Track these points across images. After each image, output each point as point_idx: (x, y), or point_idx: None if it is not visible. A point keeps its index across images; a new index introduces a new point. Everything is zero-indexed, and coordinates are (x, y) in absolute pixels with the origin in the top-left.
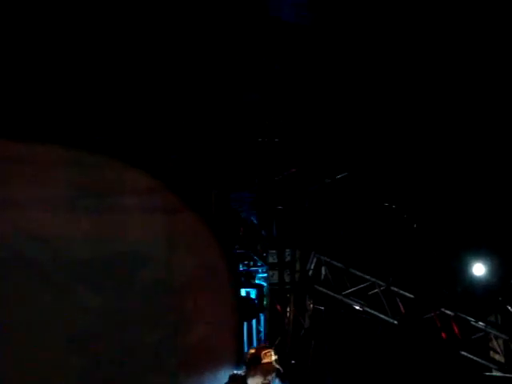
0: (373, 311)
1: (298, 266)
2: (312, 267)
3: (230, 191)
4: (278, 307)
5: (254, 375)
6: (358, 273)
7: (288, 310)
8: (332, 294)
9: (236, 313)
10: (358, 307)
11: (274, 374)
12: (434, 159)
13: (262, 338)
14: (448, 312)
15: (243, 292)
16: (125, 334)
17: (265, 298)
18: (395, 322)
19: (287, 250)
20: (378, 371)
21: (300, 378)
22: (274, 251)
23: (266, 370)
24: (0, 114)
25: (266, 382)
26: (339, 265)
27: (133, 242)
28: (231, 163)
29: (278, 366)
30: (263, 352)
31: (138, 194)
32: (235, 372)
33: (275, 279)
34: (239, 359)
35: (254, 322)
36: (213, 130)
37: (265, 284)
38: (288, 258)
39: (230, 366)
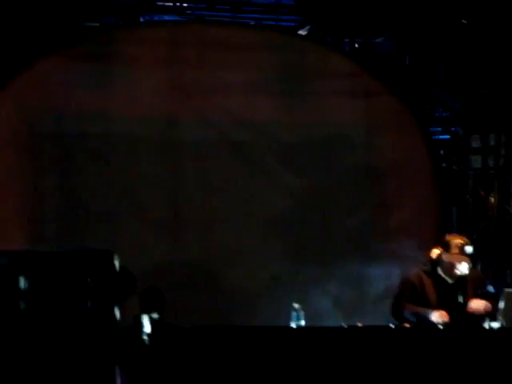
0: None
1: (502, 151)
2: None
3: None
4: (482, 193)
5: (441, 263)
6: None
7: (492, 195)
8: None
9: (438, 198)
10: None
11: (462, 267)
12: None
13: None
14: None
15: None
16: (325, 218)
17: None
18: None
19: (491, 135)
20: None
21: (503, 263)
22: (478, 135)
23: (452, 260)
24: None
25: (455, 274)
26: None
27: (334, 127)
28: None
29: (467, 260)
30: (454, 241)
31: (340, 78)
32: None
33: (478, 164)
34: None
35: (454, 208)
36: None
37: None
38: (492, 143)
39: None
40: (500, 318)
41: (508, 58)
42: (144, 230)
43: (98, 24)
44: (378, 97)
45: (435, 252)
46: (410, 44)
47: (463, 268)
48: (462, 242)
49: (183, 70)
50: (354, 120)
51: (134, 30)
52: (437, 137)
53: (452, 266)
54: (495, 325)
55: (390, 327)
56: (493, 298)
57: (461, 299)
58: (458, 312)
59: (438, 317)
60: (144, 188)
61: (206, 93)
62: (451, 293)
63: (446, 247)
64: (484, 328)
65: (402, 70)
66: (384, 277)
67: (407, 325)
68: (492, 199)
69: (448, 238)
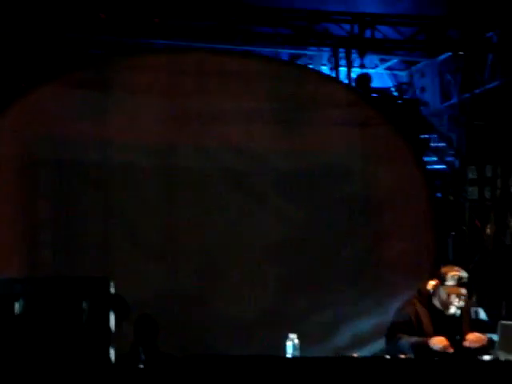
0: None
1: (499, 183)
2: None
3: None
4: (478, 224)
5: (437, 295)
6: None
7: (488, 227)
8: None
9: (434, 229)
10: None
11: (458, 300)
12: None
13: None
14: None
15: None
16: (321, 247)
17: None
18: None
19: (488, 166)
20: None
21: (499, 295)
22: (474, 167)
23: (448, 292)
24: (204, 29)
25: (452, 305)
26: None
27: (331, 156)
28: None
29: (463, 292)
30: (450, 273)
31: (337, 107)
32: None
33: (475, 195)
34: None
35: (450, 239)
36: None
37: None
38: (489, 174)
39: None
40: (496, 350)
41: (505, 89)
42: (140, 258)
43: (97, 51)
44: (374, 126)
45: (431, 283)
46: (406, 74)
47: (459, 300)
48: (458, 273)
49: (181, 97)
50: (350, 149)
51: (132, 57)
52: (433, 167)
53: (448, 298)
54: (490, 357)
55: (386, 358)
56: (486, 327)
57: (457, 330)
58: (453, 343)
59: (437, 342)
60: (141, 215)
61: (204, 121)
62: (447, 324)
63: (442, 279)
64: (479, 360)
65: (399, 101)
66: (379, 307)
67: (402, 356)
68: (488, 230)
69: (444, 269)
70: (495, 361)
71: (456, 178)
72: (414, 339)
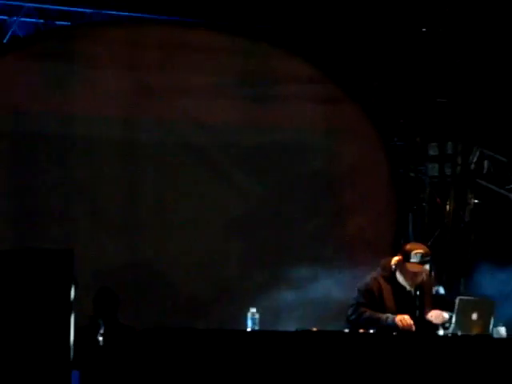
0: None
1: (459, 160)
2: (474, 161)
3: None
4: (438, 200)
5: (400, 271)
6: None
7: (448, 203)
8: (495, 188)
9: (394, 205)
10: None
11: (421, 277)
12: None
13: None
14: None
15: None
16: (282, 221)
17: None
18: None
19: (449, 143)
20: None
21: (457, 271)
22: (435, 144)
23: (412, 269)
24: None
25: (414, 281)
26: (503, 159)
27: (293, 131)
28: (393, 53)
29: (426, 270)
30: (414, 251)
31: (299, 83)
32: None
33: (435, 172)
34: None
35: (410, 215)
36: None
37: None
38: (449, 151)
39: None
40: (453, 325)
41: (467, 67)
42: (101, 231)
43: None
44: (337, 103)
45: (395, 259)
46: (370, 51)
47: (421, 277)
48: (422, 251)
49: (144, 70)
50: (313, 125)
51: (95, 28)
52: (394, 144)
53: (411, 275)
54: (448, 332)
55: (345, 332)
56: (447, 305)
57: (418, 307)
58: (414, 319)
59: (400, 321)
60: (102, 189)
61: (166, 94)
62: (409, 299)
63: (406, 256)
64: (438, 335)
65: (362, 77)
66: (340, 282)
67: (362, 330)
68: (448, 207)
69: (408, 246)
70: (453, 335)
71: (417, 154)
72: (377, 315)
